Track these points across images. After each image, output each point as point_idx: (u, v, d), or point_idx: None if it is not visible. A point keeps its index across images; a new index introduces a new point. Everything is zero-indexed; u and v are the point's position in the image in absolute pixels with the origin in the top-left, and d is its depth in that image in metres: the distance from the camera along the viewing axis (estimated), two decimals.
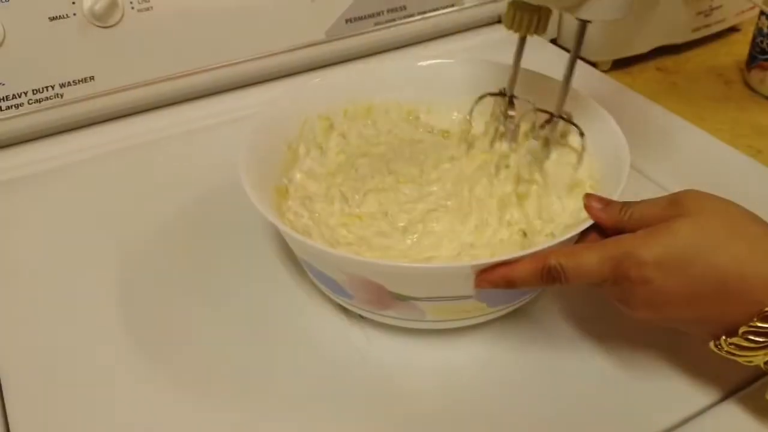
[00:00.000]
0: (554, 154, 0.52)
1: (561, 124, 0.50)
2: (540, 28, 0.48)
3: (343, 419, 0.43)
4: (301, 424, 0.42)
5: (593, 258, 0.39)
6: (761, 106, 0.74)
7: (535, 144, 0.52)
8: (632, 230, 0.39)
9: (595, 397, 0.43)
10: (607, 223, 0.41)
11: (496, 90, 0.54)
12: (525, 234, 0.47)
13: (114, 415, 0.43)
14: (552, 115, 0.50)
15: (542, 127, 0.51)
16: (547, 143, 0.51)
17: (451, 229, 0.48)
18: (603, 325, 0.47)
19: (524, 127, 0.53)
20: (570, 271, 0.39)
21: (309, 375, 0.45)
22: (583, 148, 0.50)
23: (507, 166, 0.51)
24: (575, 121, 0.50)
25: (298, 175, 0.52)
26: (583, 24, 0.46)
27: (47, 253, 0.54)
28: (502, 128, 0.54)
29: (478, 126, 0.56)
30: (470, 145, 0.54)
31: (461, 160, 0.53)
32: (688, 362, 0.44)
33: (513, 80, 0.53)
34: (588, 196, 0.42)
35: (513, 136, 0.53)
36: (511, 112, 0.53)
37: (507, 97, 0.53)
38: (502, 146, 0.53)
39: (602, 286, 0.40)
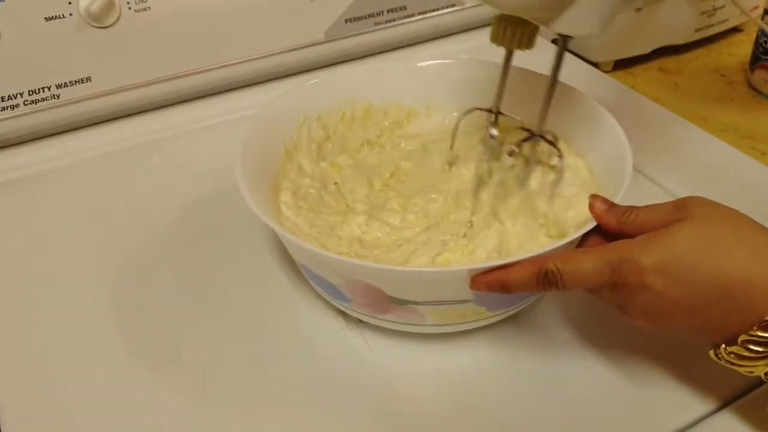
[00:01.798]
0: (537, 173, 0.50)
1: (544, 143, 0.48)
2: (526, 43, 0.46)
3: (341, 423, 0.42)
4: (298, 428, 0.42)
5: (591, 263, 0.38)
6: (765, 107, 0.74)
7: (508, 161, 0.50)
8: (634, 235, 0.38)
9: (592, 403, 0.43)
10: (610, 226, 0.41)
11: (485, 106, 0.51)
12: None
13: (110, 417, 0.43)
14: (532, 133, 0.47)
15: (518, 145, 0.48)
16: (527, 163, 0.49)
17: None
18: (602, 330, 0.46)
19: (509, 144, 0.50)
20: (567, 276, 0.38)
21: (307, 379, 0.45)
22: (562, 170, 0.48)
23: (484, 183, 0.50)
24: (567, 133, 0.48)
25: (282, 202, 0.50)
26: (564, 40, 0.44)
27: (43, 256, 0.53)
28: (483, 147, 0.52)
29: (469, 139, 0.54)
30: (451, 164, 0.53)
31: (442, 187, 0.51)
32: (688, 370, 0.44)
33: (499, 96, 0.50)
34: (593, 197, 0.42)
35: (495, 155, 0.51)
36: (493, 131, 0.51)
37: (493, 113, 0.51)
38: (484, 166, 0.51)
39: (600, 292, 0.39)
